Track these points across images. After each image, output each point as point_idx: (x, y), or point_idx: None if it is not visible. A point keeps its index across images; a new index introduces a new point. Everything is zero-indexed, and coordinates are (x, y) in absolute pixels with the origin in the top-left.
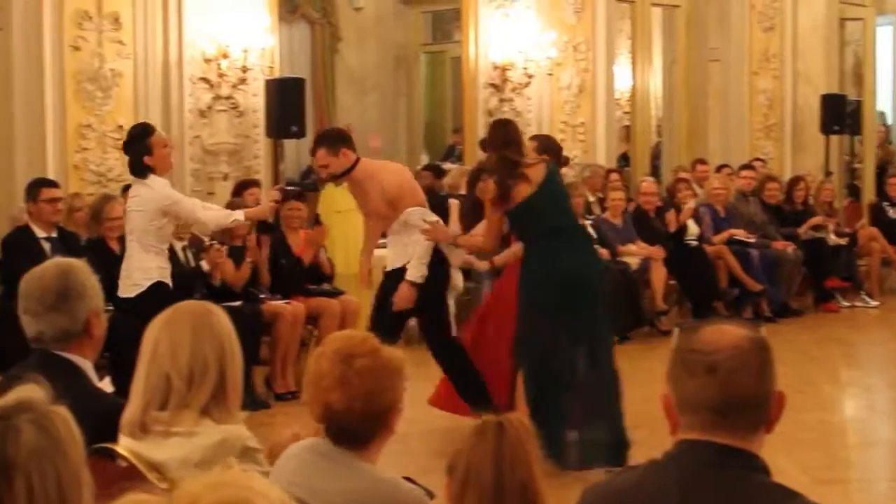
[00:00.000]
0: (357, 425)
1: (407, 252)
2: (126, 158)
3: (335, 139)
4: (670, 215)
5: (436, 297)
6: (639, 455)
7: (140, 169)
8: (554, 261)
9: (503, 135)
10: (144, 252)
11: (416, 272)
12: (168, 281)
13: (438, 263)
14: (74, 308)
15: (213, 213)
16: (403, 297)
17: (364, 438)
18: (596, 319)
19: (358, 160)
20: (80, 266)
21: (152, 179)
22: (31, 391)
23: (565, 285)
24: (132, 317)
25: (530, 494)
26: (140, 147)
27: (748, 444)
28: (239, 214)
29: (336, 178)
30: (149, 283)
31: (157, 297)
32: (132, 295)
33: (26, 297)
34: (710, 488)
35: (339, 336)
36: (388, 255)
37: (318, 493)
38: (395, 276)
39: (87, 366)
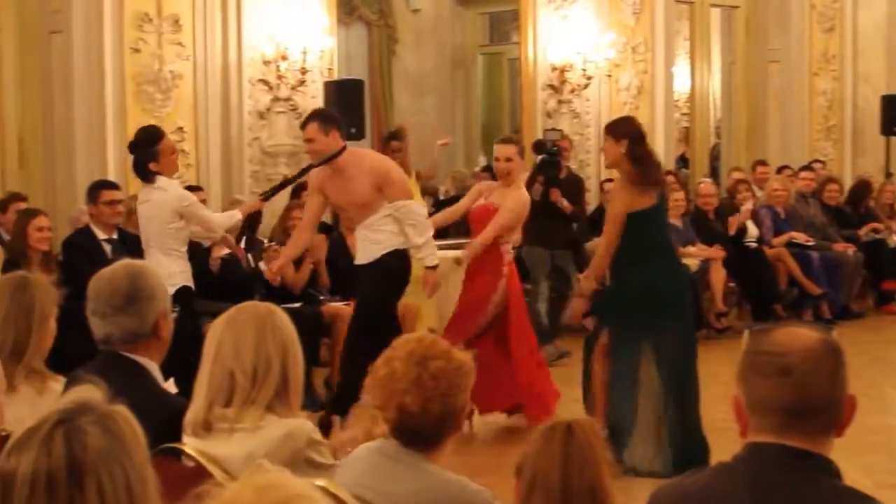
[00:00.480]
0: (431, 427)
1: (377, 249)
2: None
3: (328, 119)
4: (733, 218)
5: (383, 293)
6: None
7: (146, 174)
8: (660, 276)
9: (638, 129)
10: (166, 257)
11: (434, 256)
12: (191, 284)
13: (401, 265)
14: (143, 310)
15: (221, 216)
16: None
17: (435, 440)
18: (688, 331)
19: (345, 147)
20: (149, 268)
21: (163, 181)
22: (88, 392)
23: (667, 301)
24: None
25: (598, 497)
26: (147, 153)
27: (819, 447)
28: (237, 213)
29: (322, 162)
30: (175, 290)
31: (183, 302)
32: None
33: (95, 298)
34: (781, 491)
35: (410, 339)
36: (358, 251)
37: (387, 496)
38: (366, 272)
39: (153, 367)
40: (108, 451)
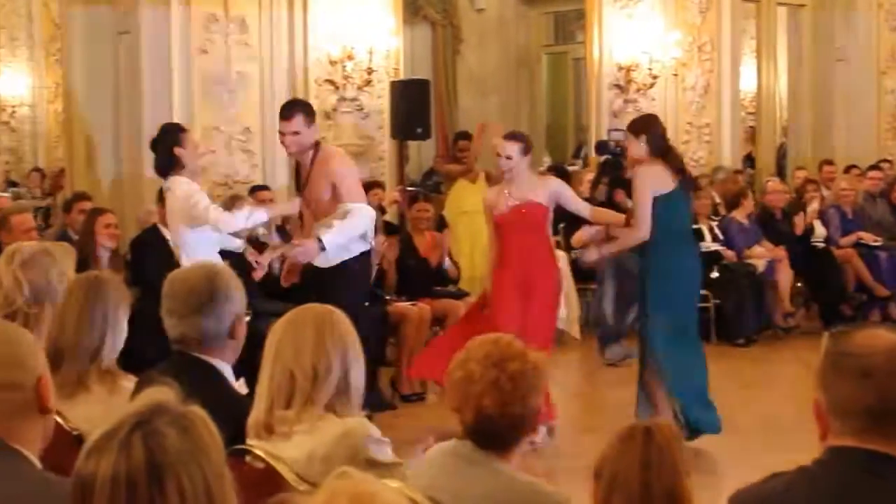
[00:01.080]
0: (508, 429)
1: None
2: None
3: (311, 111)
4: (798, 217)
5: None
6: (764, 457)
7: (166, 165)
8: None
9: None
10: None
11: (333, 237)
12: None
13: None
14: (220, 311)
15: (228, 216)
16: (307, 252)
17: (511, 441)
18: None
19: (318, 142)
20: (226, 269)
21: (173, 182)
22: (161, 393)
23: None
24: None
25: (677, 500)
26: (170, 139)
27: None
28: (261, 213)
29: (301, 153)
30: None
31: None
32: None
33: (172, 298)
34: (863, 497)
35: (486, 340)
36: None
37: (461, 497)
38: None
39: (225, 369)
40: (187, 452)
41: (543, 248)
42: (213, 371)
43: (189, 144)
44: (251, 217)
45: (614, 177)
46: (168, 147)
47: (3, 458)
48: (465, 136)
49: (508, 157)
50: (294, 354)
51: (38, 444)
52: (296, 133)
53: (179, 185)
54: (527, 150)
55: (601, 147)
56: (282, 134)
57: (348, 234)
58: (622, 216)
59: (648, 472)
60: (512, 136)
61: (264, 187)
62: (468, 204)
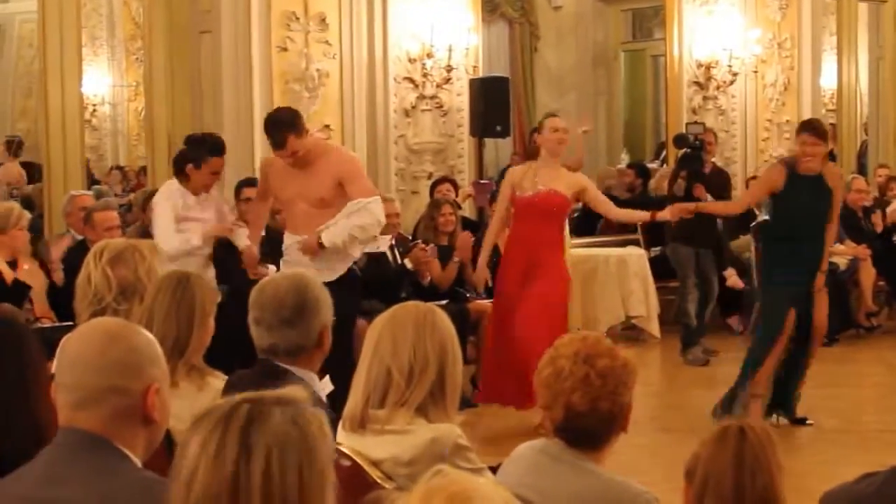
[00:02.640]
0: (598, 426)
1: (342, 264)
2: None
3: (296, 122)
4: (876, 216)
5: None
6: (848, 458)
7: (177, 169)
8: None
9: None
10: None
11: (333, 239)
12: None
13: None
14: (309, 323)
15: (175, 240)
16: (306, 247)
17: (601, 439)
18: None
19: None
20: (314, 280)
21: (165, 186)
22: (296, 391)
23: None
24: None
25: (771, 502)
26: (194, 157)
27: None
28: (196, 239)
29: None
30: None
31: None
32: None
33: (261, 309)
34: None
35: (574, 338)
36: (315, 261)
37: (548, 496)
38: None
39: (312, 378)
40: (287, 438)
41: (554, 237)
42: (297, 382)
43: (207, 166)
44: (187, 243)
45: (693, 171)
46: (183, 163)
47: (104, 456)
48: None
49: (567, 131)
50: (392, 351)
51: (140, 451)
52: (294, 153)
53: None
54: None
55: (680, 140)
56: (282, 157)
57: (351, 231)
58: (646, 214)
59: (742, 472)
60: (554, 114)
61: None
62: None
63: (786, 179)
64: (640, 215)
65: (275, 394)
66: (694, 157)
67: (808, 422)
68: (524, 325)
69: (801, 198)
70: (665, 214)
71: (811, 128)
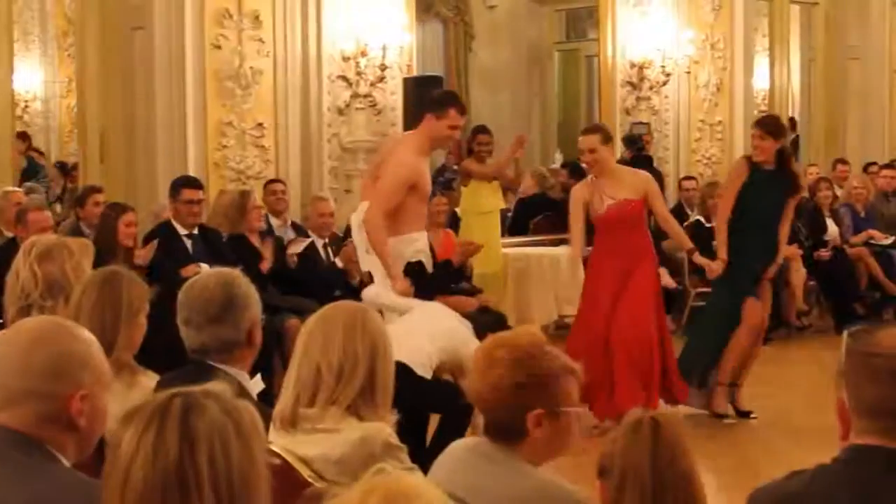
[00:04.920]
0: (499, 418)
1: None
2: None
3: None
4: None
5: None
6: (779, 456)
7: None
8: None
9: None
10: None
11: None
12: None
13: None
14: (238, 319)
15: None
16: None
17: (515, 433)
18: None
19: None
20: (240, 276)
21: None
22: (220, 385)
23: None
24: None
25: (690, 490)
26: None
27: None
28: None
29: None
30: None
31: None
32: None
33: (188, 308)
34: (885, 495)
35: (506, 332)
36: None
37: (480, 494)
38: None
39: (243, 377)
40: (225, 428)
41: (641, 242)
42: (231, 381)
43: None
44: None
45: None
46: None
47: (31, 455)
48: (484, 130)
49: (591, 151)
50: (322, 350)
51: (69, 455)
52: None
53: None
54: (606, 140)
55: (631, 142)
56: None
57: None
58: (689, 246)
59: (660, 462)
60: (588, 129)
61: (278, 180)
62: (488, 205)
63: (748, 174)
64: (685, 244)
65: (202, 388)
66: (644, 158)
67: (752, 416)
68: (636, 327)
69: (759, 191)
70: (701, 261)
71: (759, 123)
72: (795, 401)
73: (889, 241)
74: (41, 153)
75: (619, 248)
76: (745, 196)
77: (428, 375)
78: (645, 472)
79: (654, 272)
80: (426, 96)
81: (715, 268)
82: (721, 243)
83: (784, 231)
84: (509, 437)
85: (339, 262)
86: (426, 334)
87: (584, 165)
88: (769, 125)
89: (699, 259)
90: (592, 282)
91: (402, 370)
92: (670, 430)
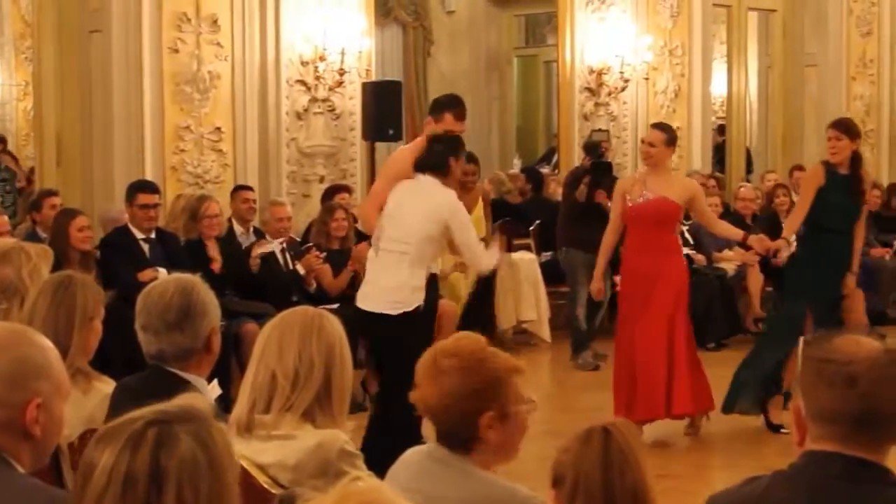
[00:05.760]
0: (451, 426)
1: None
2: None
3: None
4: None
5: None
6: (735, 461)
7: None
8: None
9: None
10: None
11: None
12: None
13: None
14: (196, 326)
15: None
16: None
17: (468, 439)
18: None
19: None
20: (200, 283)
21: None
22: (196, 400)
23: None
24: None
25: (641, 499)
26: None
27: (880, 457)
28: None
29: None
30: None
31: None
32: None
33: (147, 314)
34: (841, 501)
35: (454, 336)
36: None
37: (435, 500)
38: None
39: (200, 383)
40: (197, 464)
41: (669, 242)
42: (188, 388)
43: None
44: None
45: (602, 179)
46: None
47: None
48: (471, 158)
49: (651, 145)
50: (278, 356)
51: (24, 463)
52: None
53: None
54: (671, 142)
55: (592, 149)
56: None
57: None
58: (741, 232)
59: (610, 471)
60: (658, 126)
61: (248, 187)
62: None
63: (825, 177)
64: (735, 235)
65: (179, 409)
66: (606, 166)
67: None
68: (644, 339)
69: (835, 196)
70: (753, 243)
71: (836, 124)
72: None
73: None
74: (15, 158)
75: (647, 244)
76: (822, 201)
77: None
78: (595, 482)
79: (681, 272)
80: (436, 98)
81: (774, 245)
82: (779, 243)
83: (859, 236)
84: (462, 444)
85: (300, 269)
86: None
87: (641, 153)
88: (845, 125)
89: (751, 241)
90: (623, 277)
91: None
92: (622, 439)
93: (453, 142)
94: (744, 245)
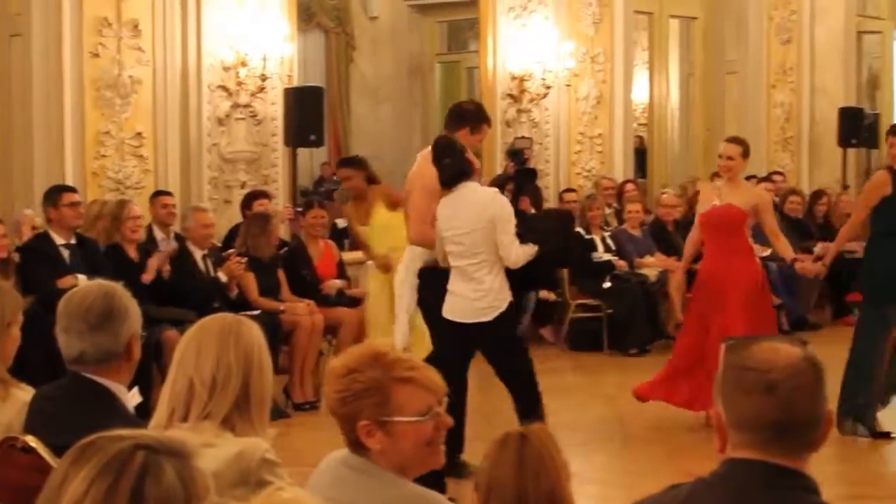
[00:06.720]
0: (344, 430)
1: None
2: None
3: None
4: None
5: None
6: (658, 467)
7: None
8: None
9: None
10: None
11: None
12: None
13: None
14: (118, 329)
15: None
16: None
17: (359, 445)
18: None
19: None
20: (122, 289)
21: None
22: (187, 439)
23: None
24: None
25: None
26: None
27: (799, 463)
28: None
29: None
30: None
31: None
32: None
33: (69, 315)
34: None
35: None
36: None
37: None
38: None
39: (120, 390)
40: (175, 498)
41: (739, 245)
42: (108, 395)
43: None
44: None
45: (526, 186)
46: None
47: None
48: (349, 162)
49: (730, 158)
50: (195, 363)
51: None
52: None
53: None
54: (746, 154)
55: (515, 155)
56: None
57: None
58: (792, 254)
59: (524, 477)
60: (734, 140)
61: (167, 192)
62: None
63: (891, 184)
64: (787, 254)
65: (168, 442)
66: (529, 173)
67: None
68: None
69: None
70: (803, 268)
71: (893, 130)
72: (673, 411)
73: (766, 252)
74: None
75: (719, 250)
76: (890, 208)
77: None
78: (508, 487)
79: (751, 273)
80: (454, 109)
81: (818, 269)
82: (832, 250)
83: None
84: (358, 449)
85: (222, 277)
86: None
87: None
88: None
89: (800, 266)
90: (697, 280)
91: None
92: (538, 445)
93: (453, 146)
94: (791, 266)
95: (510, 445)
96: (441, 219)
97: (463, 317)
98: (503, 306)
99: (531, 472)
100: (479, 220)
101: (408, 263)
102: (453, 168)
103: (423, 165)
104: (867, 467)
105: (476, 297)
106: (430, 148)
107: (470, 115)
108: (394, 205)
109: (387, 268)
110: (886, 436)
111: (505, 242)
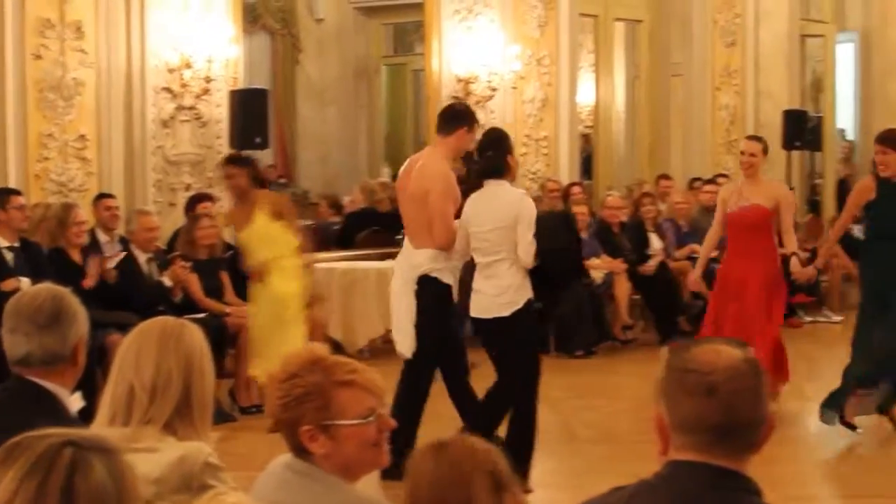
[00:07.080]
0: (286, 436)
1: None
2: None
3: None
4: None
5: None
6: (603, 469)
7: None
8: None
9: None
10: None
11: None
12: None
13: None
14: (65, 331)
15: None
16: None
17: (302, 450)
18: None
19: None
20: (70, 294)
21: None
22: (109, 435)
23: None
24: None
25: None
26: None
27: (740, 465)
28: None
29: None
30: None
31: None
32: None
33: (16, 315)
34: None
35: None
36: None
37: None
38: None
39: (63, 394)
40: (106, 495)
41: (764, 244)
42: (50, 398)
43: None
44: None
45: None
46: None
47: None
48: (234, 160)
49: (752, 155)
50: (136, 367)
51: None
52: None
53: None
54: (766, 151)
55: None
56: None
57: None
58: (792, 250)
59: (440, 487)
60: (754, 137)
61: (110, 195)
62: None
63: (877, 189)
64: (790, 248)
65: (95, 439)
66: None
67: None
68: (738, 320)
69: (891, 204)
70: (800, 272)
71: (882, 139)
72: (619, 413)
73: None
74: None
75: (743, 249)
76: (878, 211)
77: None
78: (423, 496)
79: (770, 271)
80: (447, 110)
81: (810, 272)
82: (824, 253)
83: None
84: (302, 454)
85: (166, 281)
86: None
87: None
88: (892, 140)
89: (797, 271)
90: (719, 276)
91: None
92: (457, 454)
93: (502, 142)
94: (786, 260)
95: (427, 456)
96: (469, 215)
97: (485, 313)
98: (521, 302)
99: (446, 481)
100: (504, 218)
101: (406, 272)
102: (492, 162)
103: (441, 166)
104: (815, 468)
105: (496, 294)
106: (429, 148)
107: (466, 115)
108: (278, 215)
109: (260, 276)
110: (852, 428)
111: (525, 242)
